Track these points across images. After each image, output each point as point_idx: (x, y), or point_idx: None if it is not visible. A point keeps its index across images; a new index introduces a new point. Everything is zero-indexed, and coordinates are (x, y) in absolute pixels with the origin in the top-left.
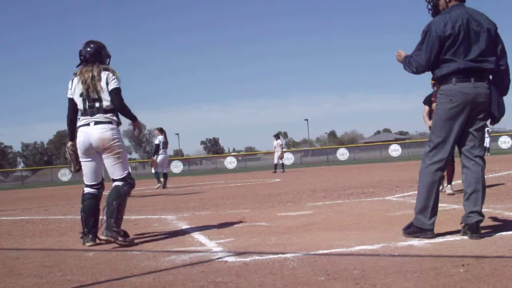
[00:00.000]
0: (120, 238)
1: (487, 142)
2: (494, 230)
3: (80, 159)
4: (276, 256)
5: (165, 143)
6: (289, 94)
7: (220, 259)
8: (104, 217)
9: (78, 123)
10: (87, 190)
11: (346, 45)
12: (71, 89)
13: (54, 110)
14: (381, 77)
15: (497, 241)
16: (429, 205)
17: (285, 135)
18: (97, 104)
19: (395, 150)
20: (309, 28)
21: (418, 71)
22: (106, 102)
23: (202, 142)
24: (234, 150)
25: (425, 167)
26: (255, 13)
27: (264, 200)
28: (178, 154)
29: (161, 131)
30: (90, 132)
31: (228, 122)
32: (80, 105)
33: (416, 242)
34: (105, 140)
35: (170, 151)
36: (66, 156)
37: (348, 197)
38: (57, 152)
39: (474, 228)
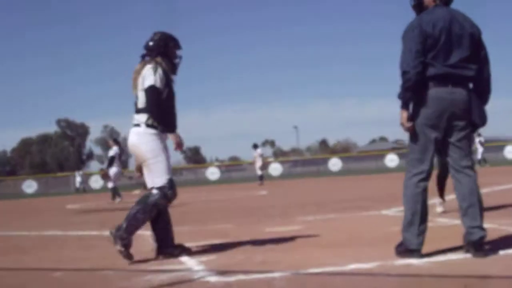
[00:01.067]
0: (118, 245)
1: (479, 153)
2: (499, 247)
3: None
4: (262, 275)
5: (120, 155)
6: (277, 99)
7: (201, 279)
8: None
9: None
10: None
11: (338, 46)
12: None
13: (19, 115)
14: (377, 81)
15: (502, 260)
16: (414, 221)
17: (272, 143)
18: (136, 103)
19: (392, 160)
20: (299, 27)
21: (410, 72)
22: (139, 101)
23: (181, 151)
24: (217, 160)
25: (407, 179)
26: (241, 7)
27: (249, 214)
28: None
29: (116, 142)
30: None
31: (210, 129)
32: None
33: (415, 260)
34: (131, 147)
35: None
36: None
37: (341, 211)
38: (22, 161)
39: (477, 245)
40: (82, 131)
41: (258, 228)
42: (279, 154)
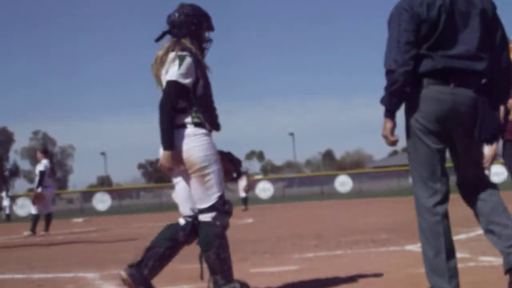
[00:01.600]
0: None
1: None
2: None
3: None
4: None
5: (52, 171)
6: (268, 98)
7: None
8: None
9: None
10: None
11: (347, 33)
12: None
13: None
14: None
15: None
16: (439, 261)
17: (260, 156)
18: None
19: None
20: (297, 12)
21: (397, 72)
22: None
23: (140, 166)
24: None
25: (419, 206)
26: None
27: (230, 250)
28: (104, 183)
29: (45, 153)
30: None
31: None
32: None
33: None
34: (182, 153)
35: (93, 178)
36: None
37: (351, 246)
38: None
39: None
40: (3, 138)
41: (241, 268)
42: (269, 170)
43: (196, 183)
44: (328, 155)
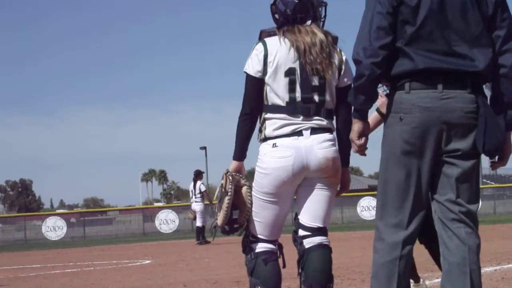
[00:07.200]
0: None
1: None
2: None
3: (262, 197)
4: None
5: None
6: (173, 104)
7: None
8: None
9: (275, 131)
10: (265, 246)
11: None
12: (264, 58)
13: None
14: None
15: None
16: None
17: (162, 176)
18: (317, 97)
19: None
20: None
21: (363, 64)
22: (330, 97)
23: None
24: (62, 204)
25: (377, 239)
26: None
27: None
28: None
29: None
30: (306, 146)
31: (50, 151)
32: (279, 92)
33: None
34: (334, 161)
35: None
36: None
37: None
38: None
39: None
40: None
41: None
42: (174, 196)
43: (327, 194)
44: (252, 175)
